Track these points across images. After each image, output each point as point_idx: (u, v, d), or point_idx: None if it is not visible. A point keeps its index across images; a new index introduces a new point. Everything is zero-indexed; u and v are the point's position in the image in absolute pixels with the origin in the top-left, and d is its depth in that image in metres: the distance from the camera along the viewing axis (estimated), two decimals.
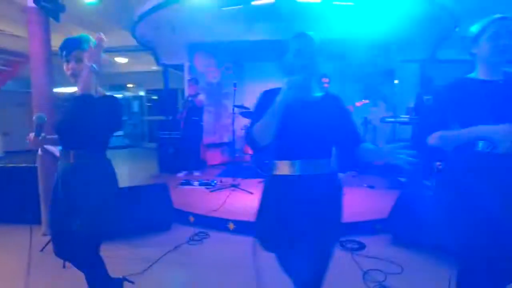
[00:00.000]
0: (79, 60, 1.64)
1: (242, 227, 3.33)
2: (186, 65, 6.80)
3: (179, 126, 5.76)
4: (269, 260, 1.58)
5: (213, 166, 6.52)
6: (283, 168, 1.43)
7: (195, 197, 4.30)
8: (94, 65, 1.54)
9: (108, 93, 1.75)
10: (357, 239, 3.07)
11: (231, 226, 3.43)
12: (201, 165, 6.01)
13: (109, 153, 1.78)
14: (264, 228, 1.48)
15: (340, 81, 5.68)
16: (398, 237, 3.03)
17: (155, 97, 12.35)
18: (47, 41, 3.25)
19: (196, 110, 5.55)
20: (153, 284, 2.41)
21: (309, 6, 4.53)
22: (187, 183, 4.93)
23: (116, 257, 2.72)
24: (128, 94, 14.59)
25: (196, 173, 5.63)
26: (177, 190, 4.54)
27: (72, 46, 1.65)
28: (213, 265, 2.70)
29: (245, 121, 6.40)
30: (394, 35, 5.30)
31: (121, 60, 8.15)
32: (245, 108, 6.09)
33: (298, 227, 1.36)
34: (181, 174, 5.55)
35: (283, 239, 1.40)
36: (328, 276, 2.35)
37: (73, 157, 1.66)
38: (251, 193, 4.45)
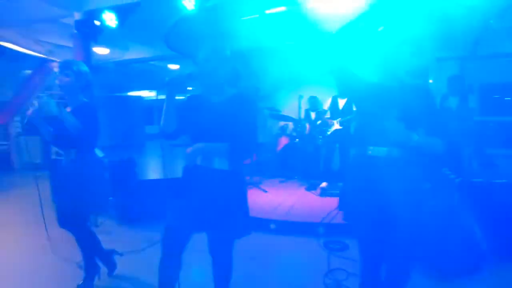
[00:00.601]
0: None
1: None
2: None
3: None
4: None
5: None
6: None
7: None
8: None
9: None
10: (344, 240, 3.11)
11: None
12: None
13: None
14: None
15: None
16: None
17: None
18: (88, 61, 4.02)
19: None
20: (144, 261, 2.85)
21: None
22: None
23: (124, 236, 3.30)
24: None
25: None
26: None
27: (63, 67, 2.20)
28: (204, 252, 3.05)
29: (280, 123, 6.68)
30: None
31: (173, 66, 9.03)
32: (276, 110, 6.33)
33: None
34: None
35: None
36: (292, 270, 2.54)
37: (74, 154, 2.22)
38: (266, 191, 4.72)
